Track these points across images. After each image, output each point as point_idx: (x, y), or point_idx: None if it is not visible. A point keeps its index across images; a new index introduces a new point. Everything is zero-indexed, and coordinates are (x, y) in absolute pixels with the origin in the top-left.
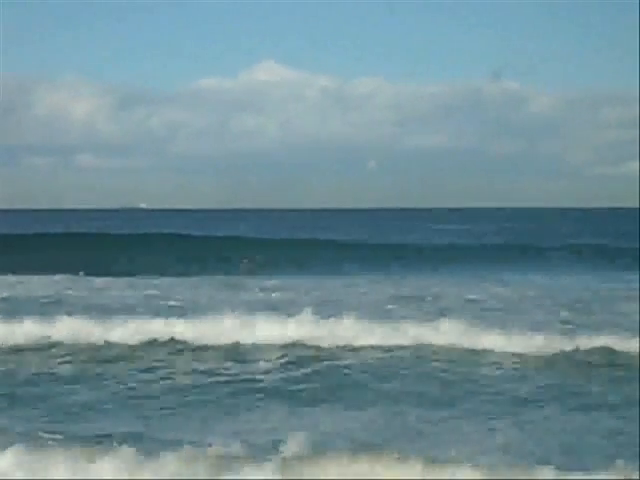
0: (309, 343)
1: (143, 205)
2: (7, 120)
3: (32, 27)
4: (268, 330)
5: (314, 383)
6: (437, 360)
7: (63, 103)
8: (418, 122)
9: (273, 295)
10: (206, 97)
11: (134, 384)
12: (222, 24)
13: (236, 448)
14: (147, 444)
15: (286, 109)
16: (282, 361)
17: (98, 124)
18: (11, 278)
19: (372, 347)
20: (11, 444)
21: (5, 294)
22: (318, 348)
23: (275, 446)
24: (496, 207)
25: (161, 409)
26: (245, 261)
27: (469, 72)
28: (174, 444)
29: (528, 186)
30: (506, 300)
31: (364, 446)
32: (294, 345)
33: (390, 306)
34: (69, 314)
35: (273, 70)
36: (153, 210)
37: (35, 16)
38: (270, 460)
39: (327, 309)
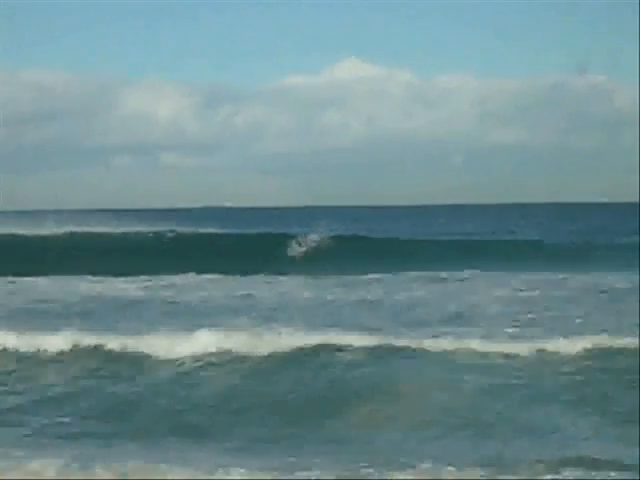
0: None
1: (228, 204)
2: (93, 121)
3: (115, 29)
4: None
5: None
6: None
7: (148, 103)
8: (503, 117)
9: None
10: (290, 95)
11: None
12: (305, 22)
13: None
14: None
15: (370, 106)
16: None
17: (183, 123)
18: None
19: None
20: None
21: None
22: None
23: None
24: (581, 202)
25: None
26: (301, 244)
27: (554, 66)
28: None
29: (613, 180)
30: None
31: None
32: None
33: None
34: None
35: (357, 67)
36: (238, 208)
37: (118, 18)
38: None
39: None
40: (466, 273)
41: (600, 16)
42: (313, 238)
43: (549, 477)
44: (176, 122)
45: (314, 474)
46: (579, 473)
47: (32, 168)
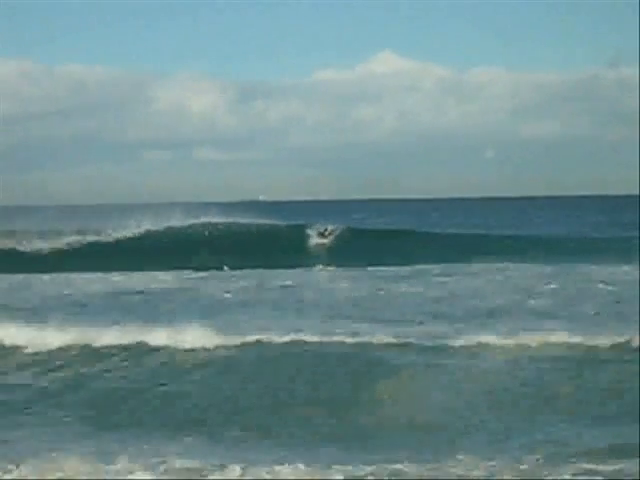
0: None
1: (262, 197)
2: (127, 116)
3: (150, 24)
4: None
5: None
6: None
7: (182, 98)
8: (535, 111)
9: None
10: (323, 89)
11: None
12: (338, 16)
13: None
14: None
15: (403, 100)
16: None
17: (217, 118)
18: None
19: None
20: None
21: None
22: None
23: None
24: (614, 195)
25: None
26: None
27: (586, 60)
28: None
29: None
30: None
31: None
32: None
33: None
34: None
35: (390, 61)
36: (272, 202)
37: (154, 13)
38: None
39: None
40: (498, 266)
41: (632, 10)
42: (334, 230)
43: None
44: (210, 117)
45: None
46: None
47: (67, 163)
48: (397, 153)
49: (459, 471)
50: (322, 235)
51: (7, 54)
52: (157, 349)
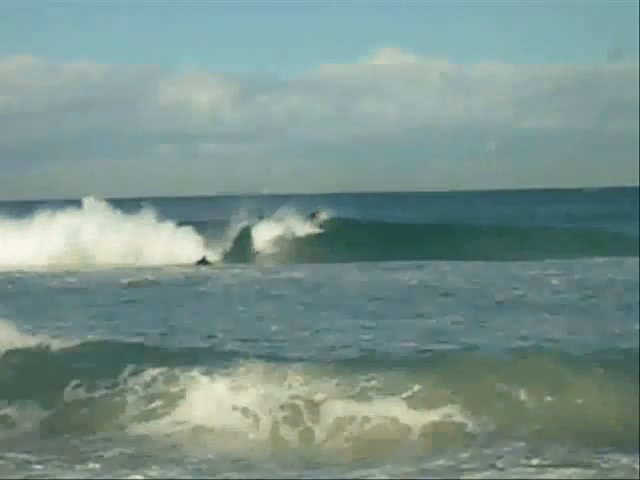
0: None
1: (265, 191)
2: (131, 111)
3: (153, 20)
4: None
5: None
6: None
7: (186, 92)
8: (537, 103)
9: None
10: (327, 83)
11: None
12: (342, 10)
13: None
14: None
15: (406, 93)
16: None
17: (221, 112)
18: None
19: None
20: None
21: None
22: None
23: None
24: (617, 187)
25: None
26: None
27: (588, 53)
28: None
29: None
30: None
31: None
32: None
33: None
34: None
35: (393, 55)
36: (275, 195)
37: (157, 9)
38: None
39: None
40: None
41: (633, 2)
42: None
43: None
44: (214, 110)
45: None
46: None
47: (71, 157)
48: (400, 146)
49: None
50: (313, 216)
51: (11, 50)
52: None
